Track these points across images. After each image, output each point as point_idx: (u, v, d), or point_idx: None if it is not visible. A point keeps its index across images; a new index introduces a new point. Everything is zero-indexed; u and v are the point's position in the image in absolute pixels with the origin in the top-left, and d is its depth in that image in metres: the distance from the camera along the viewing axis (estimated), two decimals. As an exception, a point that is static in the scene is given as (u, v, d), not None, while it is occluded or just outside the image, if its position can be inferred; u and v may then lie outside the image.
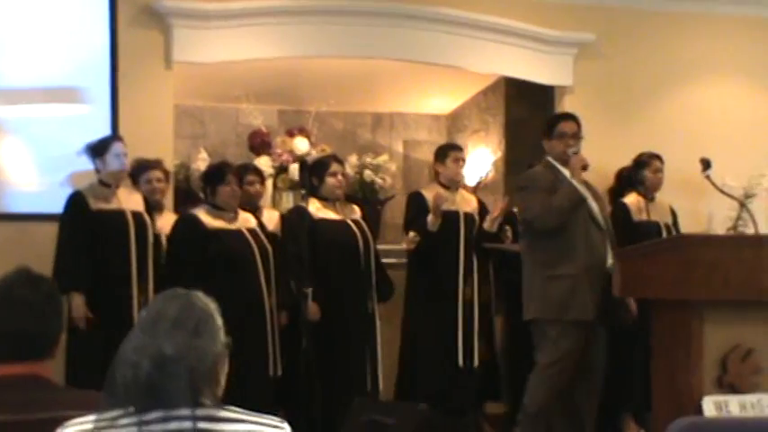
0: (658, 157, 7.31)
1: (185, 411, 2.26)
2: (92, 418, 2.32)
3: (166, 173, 6.83)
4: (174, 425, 2.27)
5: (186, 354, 2.28)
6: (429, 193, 7.05)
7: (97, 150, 6.22)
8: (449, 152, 7.21)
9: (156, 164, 6.69)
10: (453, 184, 7.16)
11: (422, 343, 6.96)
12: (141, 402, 2.26)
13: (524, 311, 6.12)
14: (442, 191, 6.97)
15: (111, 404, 2.28)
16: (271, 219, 6.99)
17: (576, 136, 6.15)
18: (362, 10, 7.57)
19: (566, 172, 6.08)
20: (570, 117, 6.32)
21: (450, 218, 6.98)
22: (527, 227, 6.08)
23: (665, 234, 7.05)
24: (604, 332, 6.14)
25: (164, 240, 6.47)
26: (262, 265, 6.38)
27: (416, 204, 7.09)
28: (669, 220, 7.27)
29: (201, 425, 2.27)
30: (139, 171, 6.63)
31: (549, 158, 6.15)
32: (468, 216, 7.03)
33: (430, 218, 6.87)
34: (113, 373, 2.28)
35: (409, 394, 7.00)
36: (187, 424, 2.26)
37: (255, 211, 6.88)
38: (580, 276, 5.92)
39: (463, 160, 7.27)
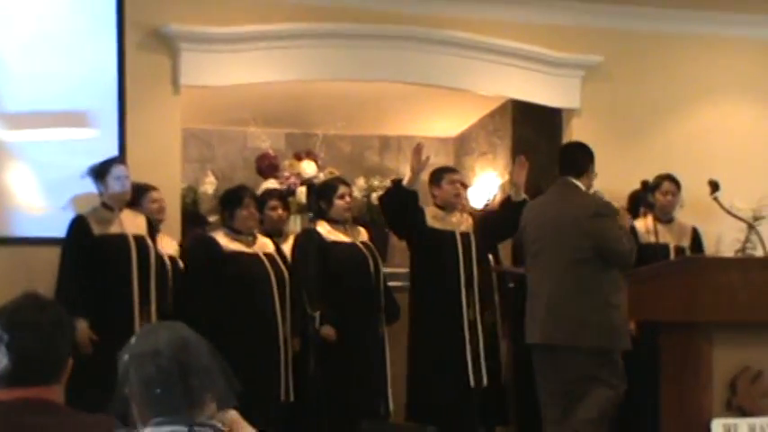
0: (670, 179, 7.30)
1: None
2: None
3: None
4: None
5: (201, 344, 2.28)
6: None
7: (99, 173, 6.23)
8: (444, 174, 7.03)
9: (153, 186, 6.67)
10: (449, 207, 6.97)
11: (428, 363, 6.90)
12: (172, 392, 2.25)
13: (577, 338, 6.04)
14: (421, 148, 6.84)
15: (147, 415, 2.26)
16: None
17: None
18: (369, 33, 7.58)
19: None
20: None
21: (446, 238, 6.85)
22: (610, 256, 6.04)
23: (672, 256, 7.03)
24: None
25: (166, 261, 6.46)
26: (277, 290, 6.35)
27: None
28: (686, 243, 7.28)
29: None
30: (140, 194, 6.57)
31: (575, 181, 6.27)
32: (464, 236, 6.94)
33: (407, 177, 6.80)
34: (129, 383, 2.26)
35: (420, 415, 6.97)
36: None
37: (280, 236, 6.88)
38: (626, 306, 5.99)
39: (461, 182, 7.12)
